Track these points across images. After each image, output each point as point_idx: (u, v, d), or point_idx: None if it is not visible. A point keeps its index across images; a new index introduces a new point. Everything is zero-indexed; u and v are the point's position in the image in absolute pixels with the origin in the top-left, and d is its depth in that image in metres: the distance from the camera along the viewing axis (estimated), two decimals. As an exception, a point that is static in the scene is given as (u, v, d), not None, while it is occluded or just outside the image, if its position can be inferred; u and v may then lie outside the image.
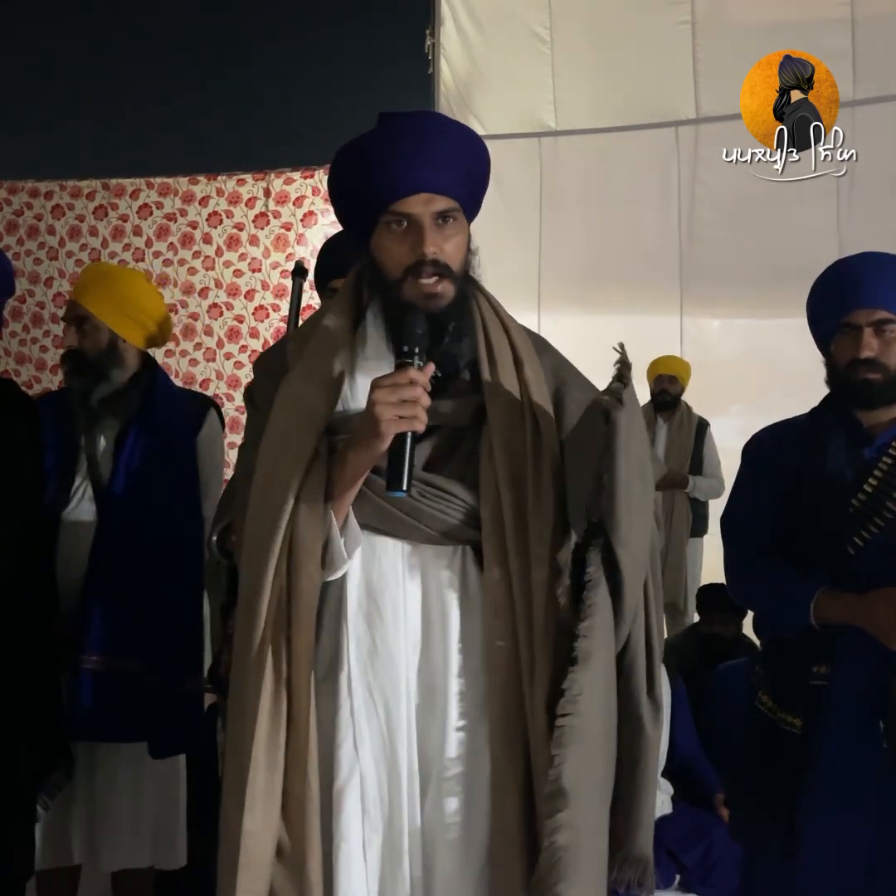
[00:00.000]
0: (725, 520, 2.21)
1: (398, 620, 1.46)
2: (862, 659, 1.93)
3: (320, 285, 2.35)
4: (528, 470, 1.46)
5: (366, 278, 1.55)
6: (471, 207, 1.53)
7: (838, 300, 2.06)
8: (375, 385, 1.37)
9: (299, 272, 2.79)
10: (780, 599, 2.04)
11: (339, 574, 1.45)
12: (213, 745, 2.96)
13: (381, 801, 1.45)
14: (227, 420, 6.18)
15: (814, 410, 2.16)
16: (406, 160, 1.43)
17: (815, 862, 1.99)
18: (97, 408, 2.49)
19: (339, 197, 1.55)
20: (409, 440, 1.36)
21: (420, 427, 1.37)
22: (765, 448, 2.18)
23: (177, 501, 2.49)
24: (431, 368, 1.40)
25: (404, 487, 1.35)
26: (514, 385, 1.51)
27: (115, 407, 2.49)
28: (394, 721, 1.45)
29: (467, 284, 1.52)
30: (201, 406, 2.67)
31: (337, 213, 1.58)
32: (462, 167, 1.48)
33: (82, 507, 2.44)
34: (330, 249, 2.38)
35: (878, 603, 1.89)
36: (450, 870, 1.44)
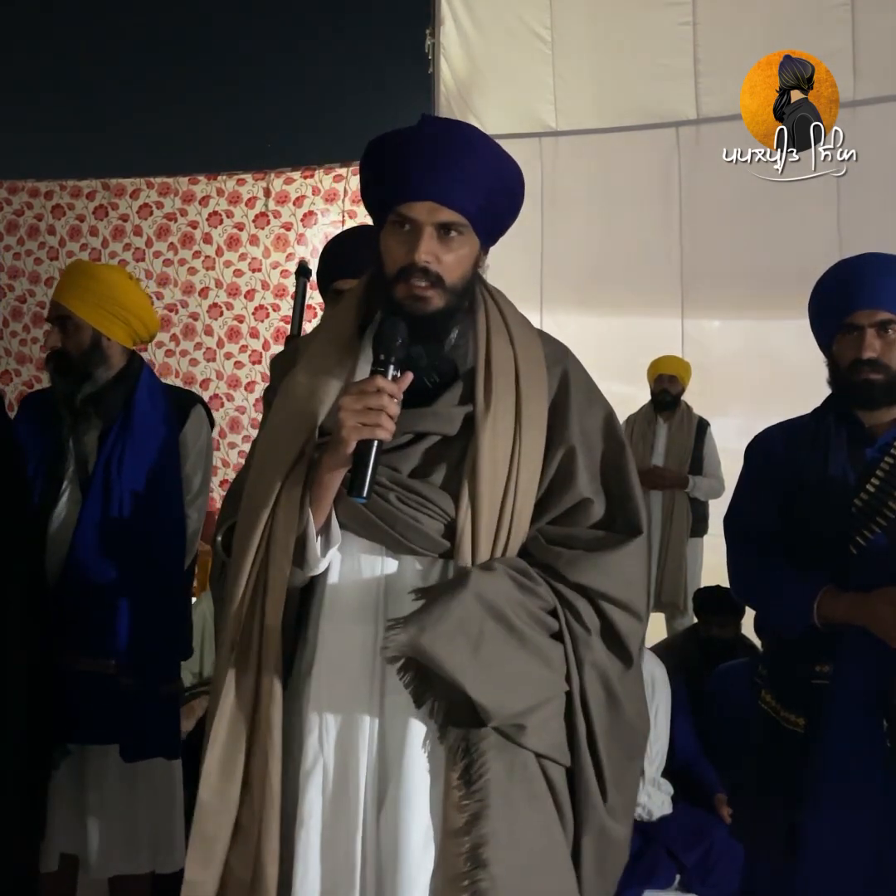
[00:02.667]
0: (728, 519, 2.21)
1: (367, 623, 1.47)
2: (864, 658, 1.93)
3: (323, 286, 2.34)
4: (510, 486, 1.46)
5: (374, 281, 1.55)
6: (485, 227, 1.50)
7: (840, 301, 2.06)
8: (344, 391, 1.40)
9: (303, 272, 2.79)
10: (782, 598, 2.04)
11: (316, 571, 1.48)
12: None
13: (337, 797, 1.46)
14: (226, 420, 6.25)
15: (816, 411, 2.16)
16: (421, 166, 1.43)
17: (816, 861, 1.99)
18: (82, 408, 2.44)
19: (364, 185, 1.57)
20: (374, 448, 1.36)
21: (384, 436, 1.36)
22: (768, 448, 2.18)
23: (157, 501, 2.43)
24: (408, 379, 1.39)
25: (364, 495, 1.36)
26: (510, 399, 1.50)
27: (99, 406, 2.45)
28: (355, 723, 1.46)
29: (464, 299, 1.50)
30: (186, 403, 2.60)
31: (364, 202, 1.59)
32: (482, 187, 1.47)
33: (69, 508, 2.40)
34: (332, 251, 2.37)
35: (880, 602, 1.89)
36: (403, 877, 1.43)
